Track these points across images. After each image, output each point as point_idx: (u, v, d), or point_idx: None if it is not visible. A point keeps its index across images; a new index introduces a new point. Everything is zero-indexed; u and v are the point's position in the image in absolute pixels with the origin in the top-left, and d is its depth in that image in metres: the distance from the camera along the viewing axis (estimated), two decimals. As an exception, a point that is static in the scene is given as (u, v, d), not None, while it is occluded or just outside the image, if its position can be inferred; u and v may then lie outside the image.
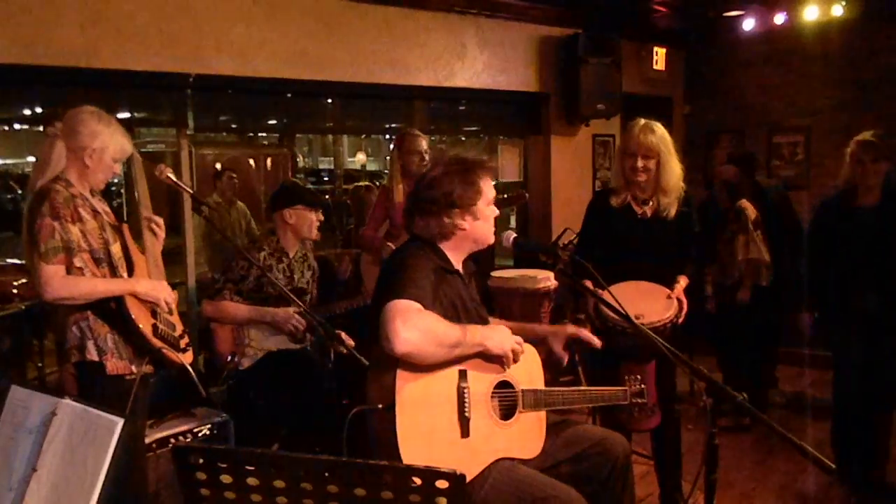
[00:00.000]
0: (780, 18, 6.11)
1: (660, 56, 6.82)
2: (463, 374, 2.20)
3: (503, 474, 2.19)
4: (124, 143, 2.76)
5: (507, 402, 2.32)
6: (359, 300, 3.74)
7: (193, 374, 2.87)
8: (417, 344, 2.04)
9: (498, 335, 2.24)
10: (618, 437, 2.47)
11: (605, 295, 2.35)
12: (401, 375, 2.09)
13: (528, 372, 2.37)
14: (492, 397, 2.27)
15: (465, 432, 2.16)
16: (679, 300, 3.23)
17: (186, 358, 2.87)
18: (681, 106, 7.27)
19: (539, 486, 2.19)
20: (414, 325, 2.03)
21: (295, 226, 3.61)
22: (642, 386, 2.53)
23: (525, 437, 2.33)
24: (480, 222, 2.37)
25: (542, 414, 2.40)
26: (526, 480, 2.20)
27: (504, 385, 2.30)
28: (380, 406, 2.08)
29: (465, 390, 2.18)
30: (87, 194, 2.73)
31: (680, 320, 3.21)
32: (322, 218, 3.71)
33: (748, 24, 6.28)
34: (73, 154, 2.68)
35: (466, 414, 2.17)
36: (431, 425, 2.12)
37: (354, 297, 3.76)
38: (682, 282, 3.32)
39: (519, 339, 2.29)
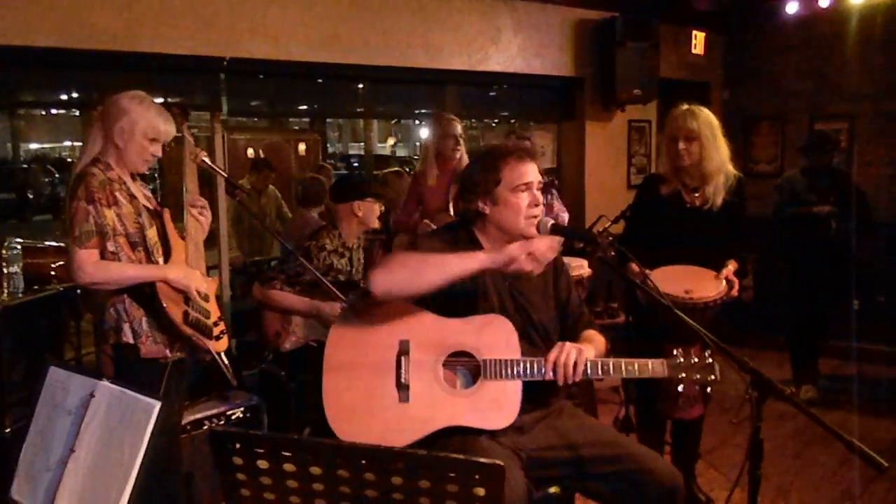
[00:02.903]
0: (824, 1, 5.93)
1: (699, 40, 6.67)
2: (405, 343, 2.26)
3: (454, 441, 2.16)
4: (157, 122, 2.69)
5: (471, 370, 2.28)
6: None
7: (224, 362, 2.86)
8: (384, 281, 2.17)
9: (496, 250, 2.24)
10: (669, 471, 2.26)
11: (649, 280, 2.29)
12: (332, 341, 2.26)
13: (495, 341, 2.27)
14: (446, 365, 2.27)
15: (403, 398, 2.21)
16: (728, 280, 3.20)
17: (220, 345, 2.86)
18: (719, 91, 7.11)
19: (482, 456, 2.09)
20: (381, 267, 2.19)
21: (363, 218, 3.60)
22: (708, 360, 2.22)
23: (488, 407, 2.24)
24: (501, 208, 2.34)
25: (517, 385, 2.25)
26: (475, 449, 2.11)
27: (466, 355, 2.27)
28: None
29: (404, 357, 2.24)
30: (126, 178, 2.72)
31: (734, 292, 3.20)
32: (383, 208, 3.72)
33: (791, 8, 6.11)
34: (107, 135, 2.68)
35: (404, 380, 2.21)
36: (364, 389, 2.21)
37: None
38: (731, 265, 3.28)
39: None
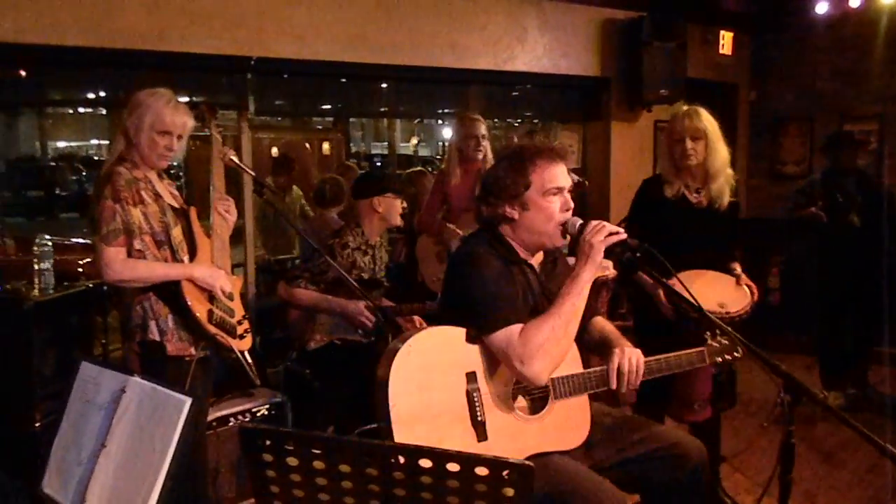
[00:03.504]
0: (855, 1, 5.83)
1: (726, 40, 6.59)
2: (472, 376, 2.11)
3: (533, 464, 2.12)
4: (164, 114, 2.66)
5: (538, 393, 2.21)
6: (427, 308, 3.67)
7: (247, 361, 2.86)
8: (548, 367, 2.08)
9: (592, 264, 2.16)
10: (695, 443, 2.32)
11: (676, 284, 2.27)
12: (394, 390, 2.00)
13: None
14: (515, 393, 2.18)
15: (481, 436, 2.08)
16: (749, 286, 3.22)
17: (244, 344, 2.86)
18: (747, 92, 7.03)
19: (570, 478, 2.08)
20: (531, 356, 2.05)
21: (383, 214, 3.59)
22: (726, 340, 2.32)
23: (562, 427, 2.21)
24: (531, 213, 2.26)
25: (584, 399, 2.27)
26: (557, 470, 2.10)
27: None
28: (375, 425, 2.02)
29: (475, 393, 2.10)
30: (151, 176, 2.74)
31: (755, 297, 3.23)
32: (405, 204, 3.70)
33: (821, 8, 6.01)
34: (126, 132, 2.68)
35: (480, 418, 2.08)
36: (438, 437, 2.02)
37: (423, 304, 3.70)
38: (739, 268, 3.31)
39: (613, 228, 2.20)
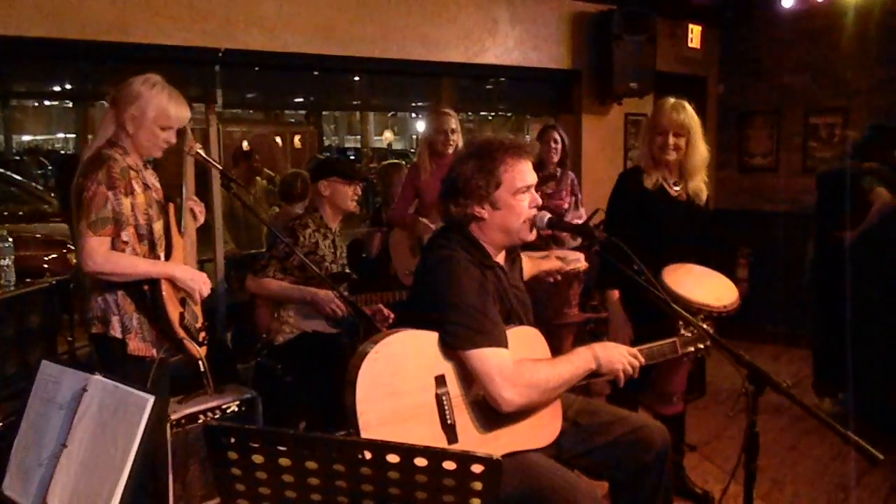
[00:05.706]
0: (820, -5, 5.92)
1: (695, 34, 6.65)
2: (440, 380, 2.09)
3: (507, 463, 2.13)
4: (168, 109, 2.59)
5: None
6: (394, 294, 3.67)
7: (205, 368, 2.82)
8: (522, 404, 2.09)
9: (607, 353, 2.20)
10: (657, 426, 2.37)
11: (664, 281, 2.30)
12: (361, 396, 1.96)
13: (530, 355, 2.22)
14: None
15: (452, 439, 2.07)
16: None
17: (202, 351, 2.81)
18: (715, 85, 7.10)
19: (544, 474, 2.10)
20: (514, 386, 2.06)
21: (330, 198, 3.59)
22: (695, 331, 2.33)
23: (534, 426, 2.21)
24: (503, 212, 2.22)
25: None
26: (531, 467, 2.11)
27: None
28: (344, 431, 2.04)
29: (445, 396, 2.08)
30: (140, 165, 2.66)
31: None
32: (359, 192, 3.69)
33: (787, 2, 6.09)
34: (119, 120, 2.60)
35: (449, 421, 2.07)
36: (407, 441, 2.02)
37: (390, 291, 3.70)
38: None
39: (633, 350, 2.25)
